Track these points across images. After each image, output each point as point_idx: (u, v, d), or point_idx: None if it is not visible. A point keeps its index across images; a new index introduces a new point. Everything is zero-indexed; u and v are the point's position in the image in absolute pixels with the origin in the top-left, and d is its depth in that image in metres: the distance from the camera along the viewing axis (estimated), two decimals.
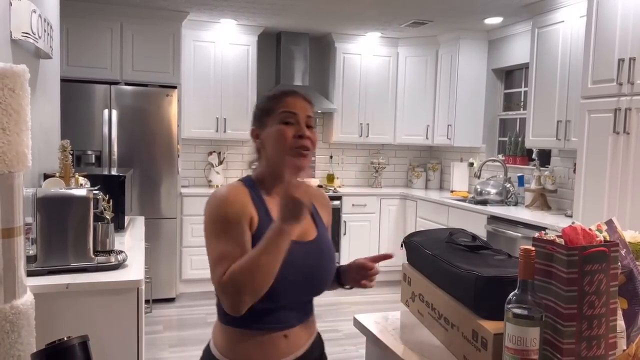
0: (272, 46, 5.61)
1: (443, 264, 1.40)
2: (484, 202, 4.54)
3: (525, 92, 4.94)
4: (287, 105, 1.34)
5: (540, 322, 1.02)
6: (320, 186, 5.53)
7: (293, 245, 1.21)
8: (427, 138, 5.58)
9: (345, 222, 5.30)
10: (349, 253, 5.33)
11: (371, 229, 5.40)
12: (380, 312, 1.74)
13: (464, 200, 4.96)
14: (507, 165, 4.80)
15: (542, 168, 4.32)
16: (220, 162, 5.34)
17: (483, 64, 5.25)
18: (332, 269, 1.43)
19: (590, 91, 3.19)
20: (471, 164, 5.39)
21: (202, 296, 4.80)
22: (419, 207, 5.22)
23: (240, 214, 1.27)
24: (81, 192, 1.99)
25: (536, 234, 1.13)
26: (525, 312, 1.02)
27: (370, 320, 1.63)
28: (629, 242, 1.21)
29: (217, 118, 5.15)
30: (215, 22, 5.07)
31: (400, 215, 5.48)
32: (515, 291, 1.05)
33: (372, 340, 1.54)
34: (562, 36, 3.83)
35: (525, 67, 4.91)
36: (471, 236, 1.56)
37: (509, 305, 1.05)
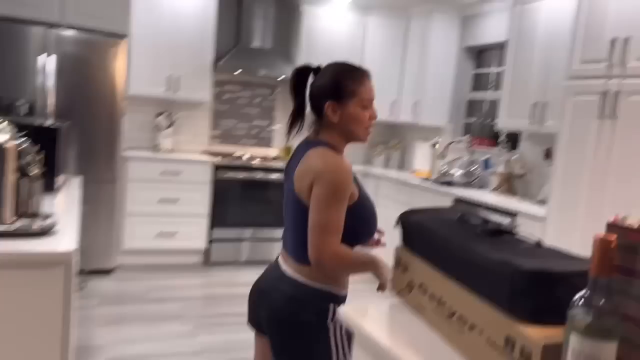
0: (234, 3, 5.17)
1: (460, 249, 1.13)
2: (449, 184, 4.37)
3: (497, 73, 4.77)
4: (368, 93, 1.59)
5: (619, 335, 0.78)
6: (276, 158, 5.20)
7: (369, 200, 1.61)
8: (391, 114, 5.34)
9: None
10: None
11: None
12: (363, 301, 1.47)
13: (425, 180, 4.77)
14: (473, 147, 4.63)
15: (510, 151, 4.17)
16: (170, 125, 4.90)
17: (455, 41, 5.04)
18: None
19: (576, 71, 3.02)
20: (435, 144, 5.20)
21: (145, 269, 4.41)
22: (380, 186, 5.00)
23: (351, 186, 1.52)
24: None
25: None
26: (599, 322, 0.77)
27: (356, 313, 1.35)
28: None
29: (169, 76, 4.69)
30: None
31: None
32: (584, 292, 0.80)
33: (361, 337, 1.27)
34: (545, 14, 3.64)
35: (499, 46, 4.73)
36: (482, 220, 1.30)
37: (575, 311, 0.79)
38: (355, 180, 1.58)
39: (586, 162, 2.92)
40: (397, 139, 5.84)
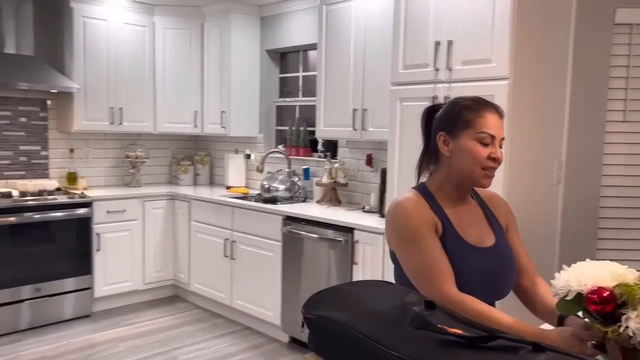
0: None
1: None
2: (273, 200, 4.00)
3: (304, 77, 4.56)
4: (487, 126, 1.38)
5: None
6: (58, 189, 4.20)
7: (472, 251, 1.39)
8: (196, 126, 4.76)
9: (98, 234, 4.13)
10: (105, 275, 4.19)
11: (134, 240, 4.35)
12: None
13: (245, 197, 4.34)
14: (290, 157, 4.35)
15: (332, 160, 3.98)
16: None
17: (257, 44, 4.68)
18: (512, 273, 1.45)
19: (401, 77, 2.89)
20: (248, 156, 4.80)
21: None
22: (193, 209, 4.39)
23: (425, 222, 1.37)
24: None
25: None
26: None
27: None
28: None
29: None
30: None
31: (169, 220, 4.56)
32: None
33: None
34: (355, 16, 3.49)
35: (302, 49, 4.52)
36: (446, 313, 0.92)
37: None
38: (444, 216, 1.42)
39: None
40: (203, 151, 5.27)
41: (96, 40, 4.31)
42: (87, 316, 4.12)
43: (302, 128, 4.46)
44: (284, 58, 4.79)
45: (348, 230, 3.21)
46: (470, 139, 1.38)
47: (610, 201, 2.85)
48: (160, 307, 4.43)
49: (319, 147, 4.31)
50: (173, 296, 4.69)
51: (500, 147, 1.40)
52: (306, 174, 4.24)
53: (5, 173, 4.23)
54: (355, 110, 3.51)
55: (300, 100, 4.58)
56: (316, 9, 4.15)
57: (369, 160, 3.78)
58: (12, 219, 3.71)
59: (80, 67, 4.24)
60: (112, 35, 4.40)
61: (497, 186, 2.46)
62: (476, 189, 1.52)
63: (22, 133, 4.31)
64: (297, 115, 4.63)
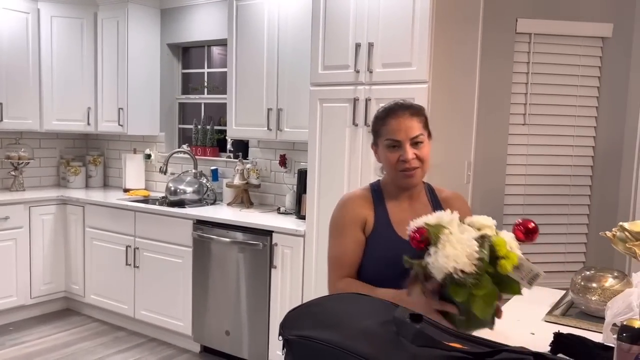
0: None
1: None
2: (181, 203, 3.79)
3: (209, 73, 4.38)
4: (390, 132, 1.48)
5: None
6: None
7: (400, 244, 1.42)
8: (89, 124, 4.37)
9: None
10: None
11: (19, 250, 3.89)
12: None
13: (148, 200, 4.07)
14: (196, 157, 4.15)
15: (244, 160, 3.86)
16: None
17: (156, 37, 4.40)
18: None
19: (321, 77, 2.86)
20: (148, 156, 4.51)
21: None
22: (87, 214, 4.02)
23: (353, 217, 1.52)
24: None
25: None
26: None
27: None
28: None
29: None
30: None
31: (60, 227, 4.14)
32: None
33: None
34: (268, 13, 3.40)
35: (207, 44, 4.33)
36: (414, 318, 0.89)
37: None
38: (382, 211, 1.54)
39: (343, 172, 2.80)
40: (96, 151, 4.85)
41: None
42: None
43: (208, 127, 4.28)
44: (187, 53, 4.56)
45: (266, 233, 3.13)
46: (383, 147, 1.51)
47: (513, 199, 3.05)
48: (52, 322, 4.01)
49: (229, 146, 4.16)
50: (65, 309, 4.27)
51: (418, 144, 1.47)
52: (214, 175, 4.07)
53: None
54: (270, 109, 3.42)
55: (205, 98, 4.39)
56: (221, 3, 4.02)
57: (283, 161, 3.72)
58: None
59: None
60: None
61: None
62: (436, 188, 1.64)
63: None
64: (202, 113, 4.43)
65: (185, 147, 4.19)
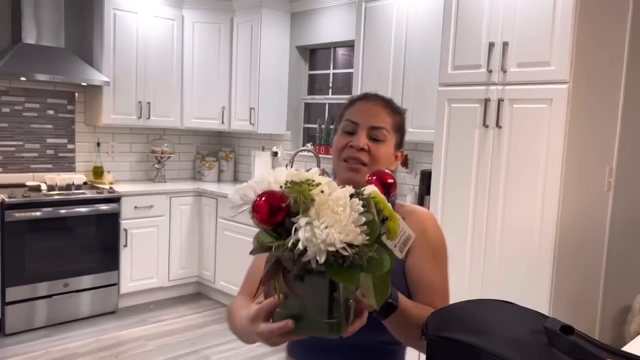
0: None
1: None
2: None
3: (334, 74, 4.49)
4: (352, 114, 1.25)
5: None
6: (85, 183, 4.14)
7: None
8: (223, 122, 4.69)
9: (125, 230, 4.08)
10: (131, 271, 4.14)
11: (160, 236, 4.30)
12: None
13: None
14: (319, 155, 4.28)
15: None
16: None
17: (286, 40, 4.61)
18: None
19: (450, 77, 2.81)
20: (275, 154, 4.73)
21: None
22: (220, 206, 4.34)
23: None
24: None
25: None
26: None
27: None
28: None
29: None
30: None
31: (195, 217, 4.50)
32: None
33: None
34: (397, 14, 3.41)
35: (333, 46, 4.44)
36: (565, 330, 0.85)
37: None
38: None
39: (471, 174, 2.73)
40: (228, 147, 5.20)
41: (126, 33, 4.25)
42: (113, 312, 4.07)
43: (331, 126, 4.40)
44: (313, 55, 4.72)
45: None
46: (339, 132, 1.26)
47: None
48: (185, 304, 4.38)
49: None
50: (196, 293, 4.63)
51: (378, 140, 1.21)
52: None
53: (32, 166, 4.18)
54: None
55: (330, 98, 4.51)
56: (348, 5, 4.10)
57: (405, 161, 3.71)
58: (40, 213, 3.66)
59: (109, 60, 4.18)
60: (141, 28, 4.33)
61: (553, 196, 2.40)
62: (399, 204, 1.30)
63: (50, 126, 4.26)
64: (326, 113, 4.56)
65: (309, 145, 4.35)
